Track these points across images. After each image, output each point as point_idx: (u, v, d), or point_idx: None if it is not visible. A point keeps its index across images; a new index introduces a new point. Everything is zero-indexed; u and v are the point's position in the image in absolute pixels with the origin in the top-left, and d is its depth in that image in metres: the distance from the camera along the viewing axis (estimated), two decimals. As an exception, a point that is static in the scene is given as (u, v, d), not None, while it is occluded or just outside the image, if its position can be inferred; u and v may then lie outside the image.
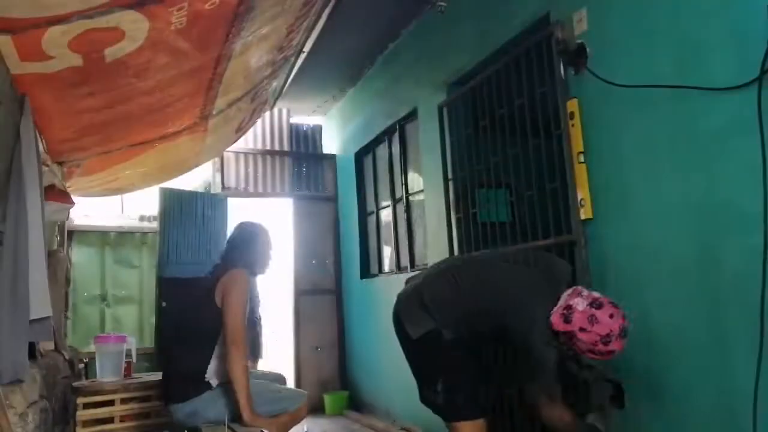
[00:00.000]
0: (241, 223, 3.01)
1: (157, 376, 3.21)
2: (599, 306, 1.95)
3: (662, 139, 2.20)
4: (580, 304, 1.96)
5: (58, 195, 2.81)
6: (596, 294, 2.01)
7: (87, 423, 3.08)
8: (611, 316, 1.95)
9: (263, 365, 5.44)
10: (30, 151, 1.98)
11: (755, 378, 1.81)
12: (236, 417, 2.46)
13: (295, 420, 2.71)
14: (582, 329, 1.93)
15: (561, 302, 2.00)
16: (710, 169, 2.00)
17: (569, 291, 2.03)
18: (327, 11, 3.90)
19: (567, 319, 1.95)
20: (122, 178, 4.04)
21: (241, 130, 4.62)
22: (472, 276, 2.28)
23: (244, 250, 2.73)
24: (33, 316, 1.89)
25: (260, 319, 5.05)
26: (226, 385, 2.48)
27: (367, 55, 4.98)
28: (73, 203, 3.14)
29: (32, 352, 2.54)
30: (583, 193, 2.55)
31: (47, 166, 2.59)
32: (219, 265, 2.75)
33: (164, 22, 1.80)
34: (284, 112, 6.15)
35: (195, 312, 2.61)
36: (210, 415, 2.46)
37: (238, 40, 2.32)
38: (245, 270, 2.65)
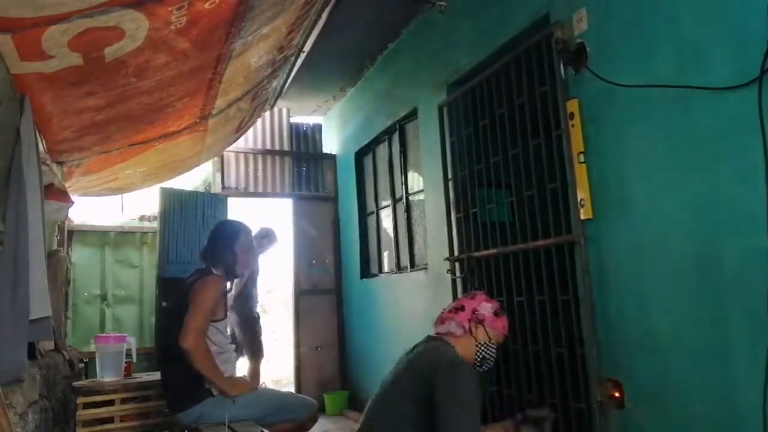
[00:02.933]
0: (222, 222, 2.98)
1: (158, 375, 3.21)
2: (461, 306, 2.10)
3: (662, 138, 2.20)
4: (448, 307, 2.09)
5: (57, 194, 2.80)
6: (454, 304, 2.15)
7: (87, 423, 3.08)
8: (473, 297, 2.14)
9: (265, 365, 5.43)
10: (30, 151, 1.98)
11: (765, 377, 1.81)
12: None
13: (300, 429, 2.68)
14: (473, 298, 2.08)
15: (457, 329, 2.01)
16: (710, 169, 2.00)
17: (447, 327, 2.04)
18: (327, 11, 3.90)
19: (460, 309, 2.05)
20: (122, 178, 4.05)
21: (241, 130, 4.62)
22: None
23: (224, 251, 2.69)
24: (33, 316, 1.89)
25: (258, 318, 5.04)
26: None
27: (367, 55, 4.98)
28: (72, 202, 3.14)
29: (32, 352, 2.55)
30: (583, 193, 2.55)
31: (47, 166, 2.58)
32: (199, 269, 2.74)
33: (164, 22, 1.80)
34: (284, 112, 6.15)
35: (182, 316, 2.58)
36: (216, 418, 2.45)
37: (238, 39, 2.32)
38: (220, 276, 2.62)
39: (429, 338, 2.07)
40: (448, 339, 2.01)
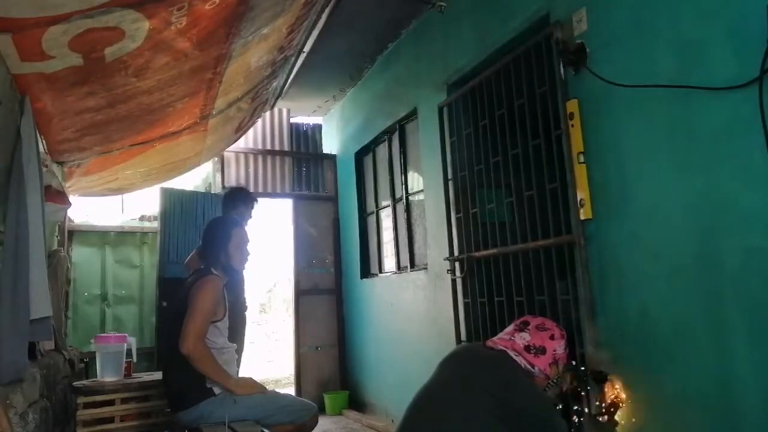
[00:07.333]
0: (213, 221, 2.96)
1: (158, 375, 3.21)
2: (526, 323, 2.04)
3: (662, 139, 2.20)
4: (524, 336, 1.98)
5: (55, 196, 2.80)
6: (511, 327, 2.06)
7: (87, 423, 3.08)
8: (534, 316, 2.09)
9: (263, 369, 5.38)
10: (30, 151, 1.98)
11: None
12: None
13: (300, 431, 2.68)
14: (552, 338, 1.98)
15: (522, 361, 1.93)
16: (710, 169, 2.00)
17: (512, 353, 1.95)
18: (327, 11, 3.90)
19: (541, 351, 1.94)
20: (122, 178, 4.05)
21: (241, 130, 4.62)
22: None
23: (217, 250, 2.68)
24: (33, 316, 1.89)
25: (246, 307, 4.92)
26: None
27: (367, 55, 4.98)
28: (69, 204, 3.13)
29: (32, 351, 2.54)
30: (583, 193, 2.55)
31: (45, 167, 2.58)
32: (198, 269, 2.73)
33: (164, 22, 1.80)
34: (284, 112, 6.15)
35: (182, 318, 2.55)
36: (216, 418, 2.45)
37: (238, 39, 2.32)
38: (218, 276, 2.62)
39: (506, 357, 1.92)
40: (532, 374, 1.93)
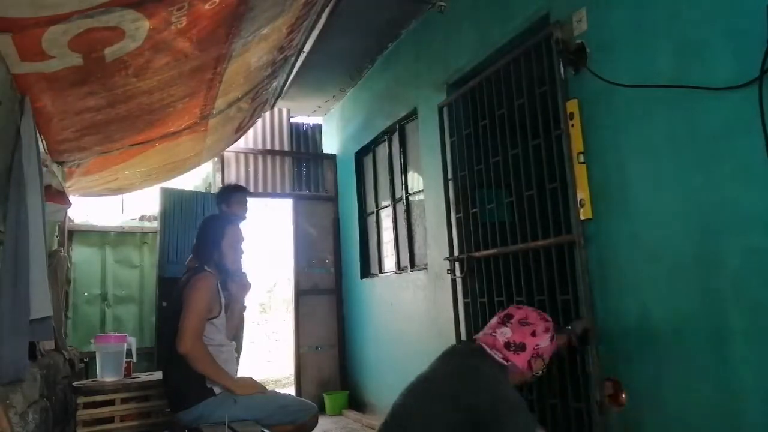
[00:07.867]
0: (207, 219, 2.95)
1: (158, 375, 3.21)
2: (510, 316, 2.01)
3: (662, 138, 2.20)
4: (506, 332, 1.95)
5: (55, 196, 2.80)
6: (495, 320, 2.05)
7: (87, 423, 3.08)
8: (519, 308, 2.05)
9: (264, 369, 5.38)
10: (30, 151, 1.98)
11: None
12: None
13: (300, 431, 2.68)
14: (534, 334, 1.95)
15: (500, 355, 1.91)
16: (710, 169, 2.00)
17: (488, 349, 1.93)
18: (327, 11, 3.90)
19: (521, 348, 1.92)
20: (122, 178, 4.05)
21: (241, 130, 4.62)
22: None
23: (211, 249, 2.68)
24: (33, 316, 1.89)
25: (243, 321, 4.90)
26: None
27: (367, 55, 4.98)
28: (69, 204, 3.14)
29: (33, 351, 2.54)
30: (583, 193, 2.55)
31: (45, 167, 2.58)
32: (192, 268, 2.74)
33: (164, 22, 1.80)
34: (284, 112, 6.15)
35: (178, 316, 2.55)
36: (216, 418, 2.45)
37: (238, 39, 2.32)
38: (212, 273, 2.62)
39: (481, 352, 1.92)
40: (503, 367, 1.91)
